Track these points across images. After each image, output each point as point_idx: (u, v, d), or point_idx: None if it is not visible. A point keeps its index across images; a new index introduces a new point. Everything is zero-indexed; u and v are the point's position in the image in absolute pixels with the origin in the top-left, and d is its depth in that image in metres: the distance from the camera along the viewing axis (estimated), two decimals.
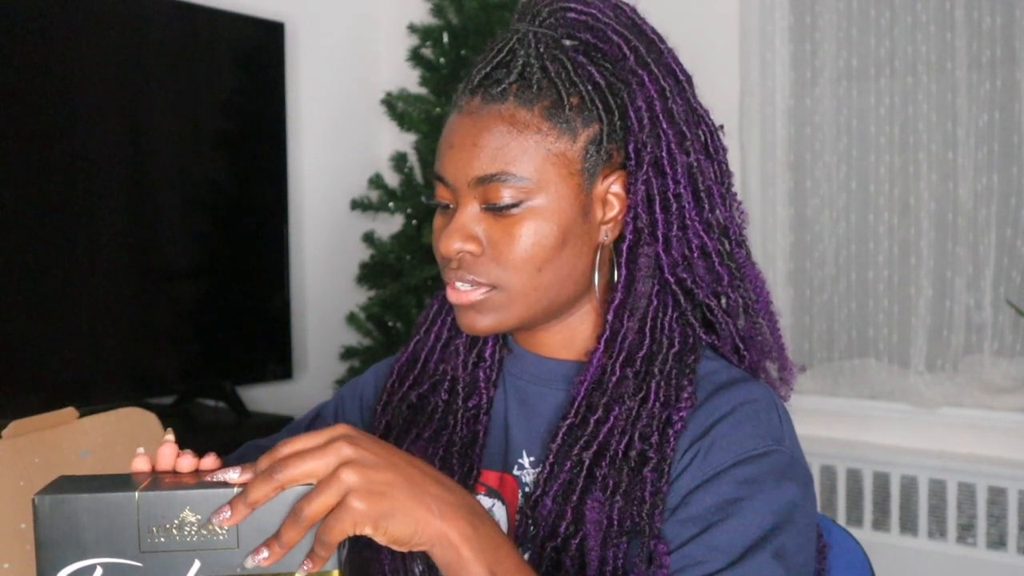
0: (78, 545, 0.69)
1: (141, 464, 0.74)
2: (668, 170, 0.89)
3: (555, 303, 0.92)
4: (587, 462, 0.87)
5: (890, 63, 2.54)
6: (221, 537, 0.69)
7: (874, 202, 2.59)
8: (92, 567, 0.69)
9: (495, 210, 0.87)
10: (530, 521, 0.89)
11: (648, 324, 0.91)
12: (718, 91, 2.83)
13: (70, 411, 0.87)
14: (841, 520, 2.58)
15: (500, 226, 0.88)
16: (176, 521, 0.69)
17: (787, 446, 0.88)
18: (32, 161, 2.15)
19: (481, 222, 0.89)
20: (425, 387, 1.04)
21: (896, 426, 2.58)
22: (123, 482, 0.72)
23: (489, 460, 0.98)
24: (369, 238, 2.79)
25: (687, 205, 0.90)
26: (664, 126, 0.89)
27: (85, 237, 2.26)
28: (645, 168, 0.89)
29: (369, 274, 2.79)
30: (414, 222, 2.72)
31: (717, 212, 0.93)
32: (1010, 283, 2.44)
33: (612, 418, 0.88)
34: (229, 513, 0.68)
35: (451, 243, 0.89)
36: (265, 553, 0.68)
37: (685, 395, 0.88)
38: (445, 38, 2.67)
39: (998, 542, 2.40)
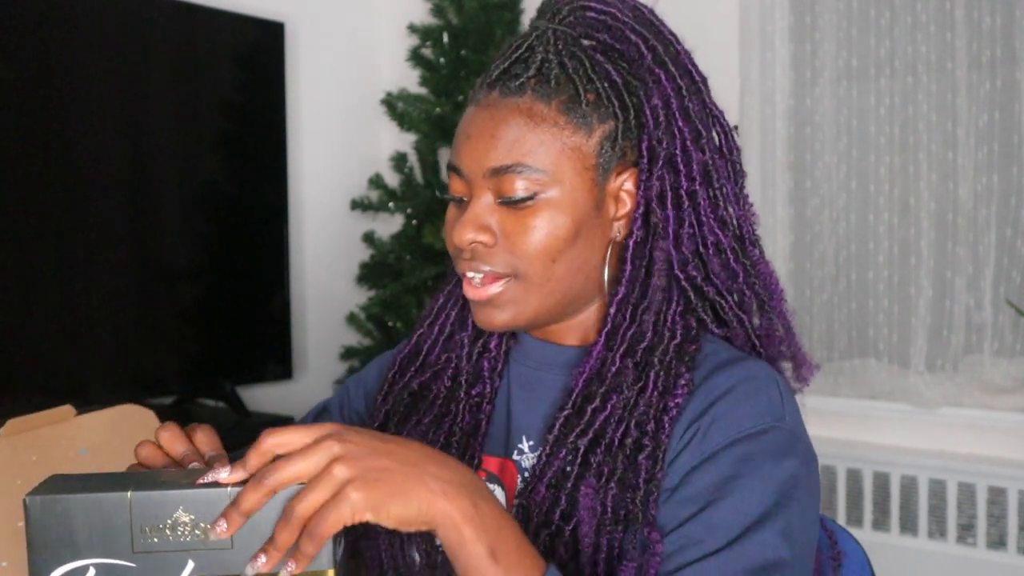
0: (71, 545, 0.68)
1: (145, 452, 0.76)
2: (683, 167, 0.90)
3: (568, 296, 0.92)
4: (582, 449, 0.88)
5: (890, 63, 2.54)
6: (214, 537, 0.68)
7: (874, 202, 2.59)
8: (85, 567, 0.68)
9: (509, 203, 0.88)
10: (524, 508, 0.89)
11: (653, 318, 0.92)
12: (718, 91, 2.83)
13: (67, 408, 0.86)
14: (841, 520, 2.58)
15: (514, 218, 0.89)
16: (169, 521, 0.68)
17: (788, 422, 0.88)
18: (32, 161, 2.15)
19: (495, 213, 0.89)
20: (427, 375, 1.04)
21: (896, 426, 2.58)
22: (116, 481, 0.71)
23: (491, 446, 0.99)
24: (369, 238, 2.79)
25: (702, 202, 0.91)
26: (680, 124, 0.91)
27: (85, 237, 2.26)
28: (660, 165, 0.90)
29: (369, 274, 2.79)
30: (414, 222, 2.72)
31: (731, 210, 0.93)
32: (1010, 283, 2.43)
33: (609, 407, 0.89)
34: (225, 525, 0.68)
35: (464, 233, 0.89)
36: (263, 559, 0.68)
37: (682, 382, 0.88)
38: (445, 38, 2.67)
39: (998, 542, 2.40)
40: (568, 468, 0.88)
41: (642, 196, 0.91)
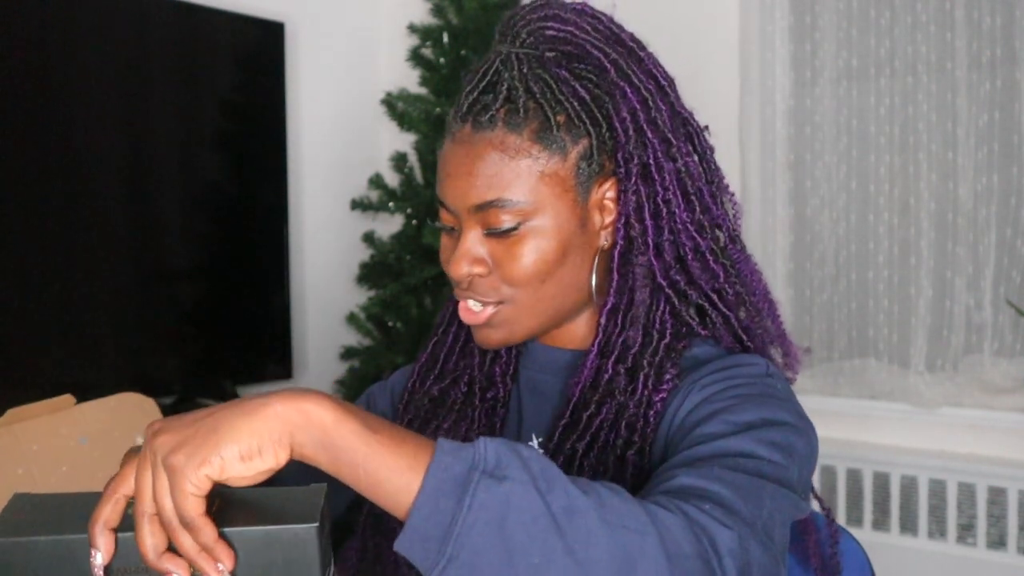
0: None
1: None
2: (656, 177, 0.92)
3: (561, 311, 0.96)
4: (579, 452, 0.91)
5: (890, 63, 2.54)
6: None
7: (874, 202, 2.59)
8: None
9: (496, 234, 0.91)
10: None
11: (642, 324, 0.95)
12: (718, 91, 2.85)
13: (67, 398, 0.87)
14: (841, 520, 2.58)
15: (503, 246, 0.91)
16: (138, 562, 0.65)
17: (776, 377, 0.92)
18: (33, 161, 2.15)
19: (485, 244, 0.92)
20: (446, 382, 1.08)
21: (896, 426, 2.58)
22: (83, 514, 0.66)
23: None
24: (369, 238, 2.79)
25: (677, 210, 0.93)
26: (649, 135, 0.92)
27: (85, 237, 2.26)
28: (634, 179, 0.92)
29: (369, 274, 2.78)
30: (414, 222, 2.72)
31: (710, 211, 0.95)
32: (1010, 283, 2.43)
33: (603, 412, 0.92)
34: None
35: (459, 268, 0.92)
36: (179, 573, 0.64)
37: (667, 377, 0.92)
38: (445, 38, 2.67)
39: (998, 542, 2.40)
40: (566, 469, 0.89)
41: (622, 208, 0.93)
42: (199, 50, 2.53)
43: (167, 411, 2.43)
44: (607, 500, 0.65)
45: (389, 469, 0.63)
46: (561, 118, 0.90)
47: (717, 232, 0.97)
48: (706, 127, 0.98)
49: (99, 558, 0.63)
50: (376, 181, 2.75)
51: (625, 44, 0.95)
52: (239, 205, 2.65)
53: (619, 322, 0.94)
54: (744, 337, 0.98)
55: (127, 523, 0.65)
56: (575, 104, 0.90)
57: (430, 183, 2.71)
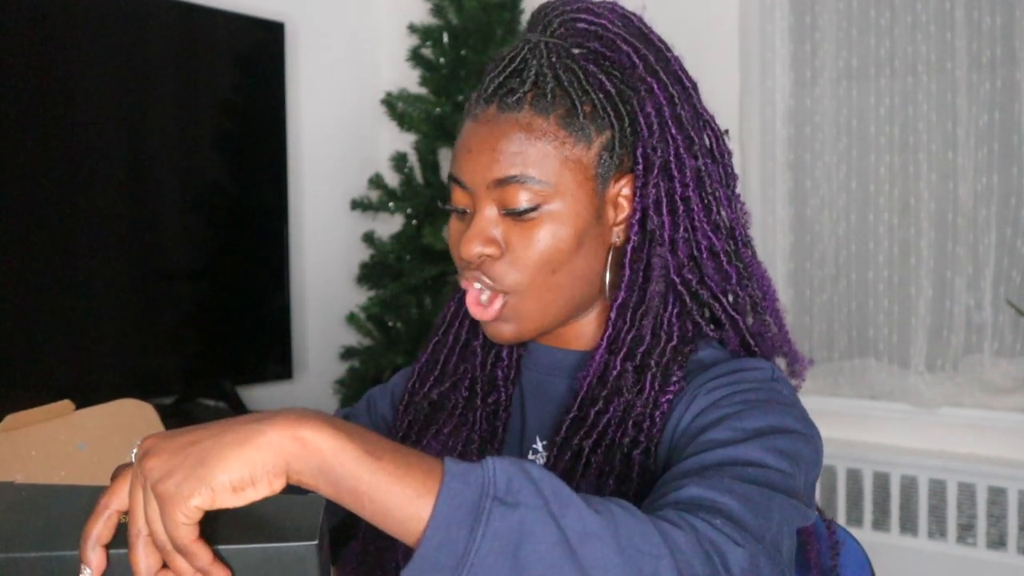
0: None
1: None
2: (676, 173, 0.92)
3: (570, 303, 0.95)
4: (586, 450, 0.90)
5: (890, 63, 2.54)
6: None
7: (874, 202, 2.59)
8: None
9: (515, 215, 0.90)
10: None
11: (652, 322, 0.94)
12: (718, 91, 2.83)
13: (66, 403, 0.87)
14: (841, 520, 2.58)
15: (518, 229, 0.90)
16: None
17: (781, 380, 0.92)
18: (32, 161, 2.15)
19: (499, 225, 0.91)
20: (446, 385, 1.06)
21: (896, 426, 2.58)
22: (72, 523, 0.65)
23: (508, 449, 1.02)
24: (369, 238, 2.79)
25: (695, 208, 0.93)
26: (673, 131, 0.92)
27: (85, 237, 2.26)
28: (655, 172, 0.92)
29: (369, 274, 2.79)
30: (414, 222, 2.72)
31: (724, 213, 0.96)
32: (1010, 283, 2.43)
33: (611, 409, 0.91)
34: None
35: (472, 247, 0.91)
36: None
37: (674, 379, 0.91)
38: (445, 38, 2.68)
39: (998, 542, 2.40)
40: (573, 468, 0.90)
41: (639, 202, 0.93)
42: (199, 50, 2.53)
43: (167, 411, 2.43)
44: (621, 521, 0.64)
45: (396, 497, 0.60)
46: (587, 107, 0.90)
47: (730, 235, 0.97)
48: (726, 131, 0.99)
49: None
50: (376, 181, 2.75)
51: (654, 44, 0.95)
52: (239, 205, 2.65)
53: (629, 318, 0.94)
54: (752, 342, 0.98)
55: (119, 539, 0.63)
56: (601, 96, 0.91)
57: (430, 183, 2.71)
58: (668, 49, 0.96)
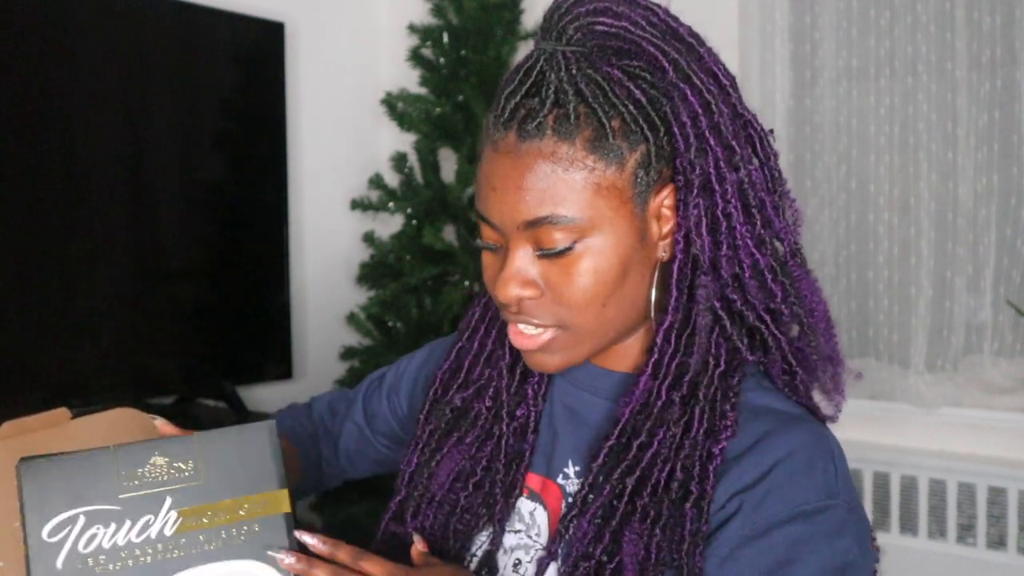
0: (61, 499, 0.76)
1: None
2: (717, 188, 0.84)
3: (621, 331, 0.90)
4: (629, 488, 0.85)
5: (890, 63, 2.53)
6: (187, 474, 0.80)
7: (874, 202, 2.59)
8: (76, 516, 0.77)
9: (550, 255, 0.83)
10: (566, 537, 0.88)
11: (698, 346, 0.88)
12: None
13: (63, 412, 0.87)
14: None
15: (557, 268, 0.84)
16: (148, 466, 0.79)
17: (843, 496, 0.85)
18: (31, 161, 2.15)
19: (536, 264, 0.85)
20: (470, 392, 1.02)
21: (896, 426, 2.58)
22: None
23: (535, 464, 0.97)
24: (369, 238, 2.79)
25: (737, 224, 0.85)
26: (711, 143, 0.84)
27: (85, 237, 2.26)
28: (695, 191, 0.84)
29: (369, 274, 2.79)
30: (414, 222, 2.72)
31: (771, 224, 0.88)
32: (1010, 283, 2.43)
33: (656, 443, 0.85)
34: (292, 560, 0.82)
35: (508, 291, 0.85)
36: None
37: (727, 422, 0.85)
38: (445, 38, 2.67)
39: (998, 542, 2.40)
40: (615, 503, 0.85)
41: (682, 220, 0.86)
42: (199, 50, 2.53)
43: (167, 411, 2.43)
44: None
45: None
46: (616, 123, 0.82)
47: (777, 245, 0.89)
48: (771, 131, 0.91)
49: None
50: (376, 181, 2.75)
51: (683, 40, 0.87)
52: (239, 205, 2.65)
53: (674, 342, 0.87)
54: (794, 361, 0.91)
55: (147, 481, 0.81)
56: (631, 107, 0.82)
57: (430, 183, 2.71)
58: (701, 43, 0.88)
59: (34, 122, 2.16)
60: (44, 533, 0.75)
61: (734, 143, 0.85)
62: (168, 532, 0.78)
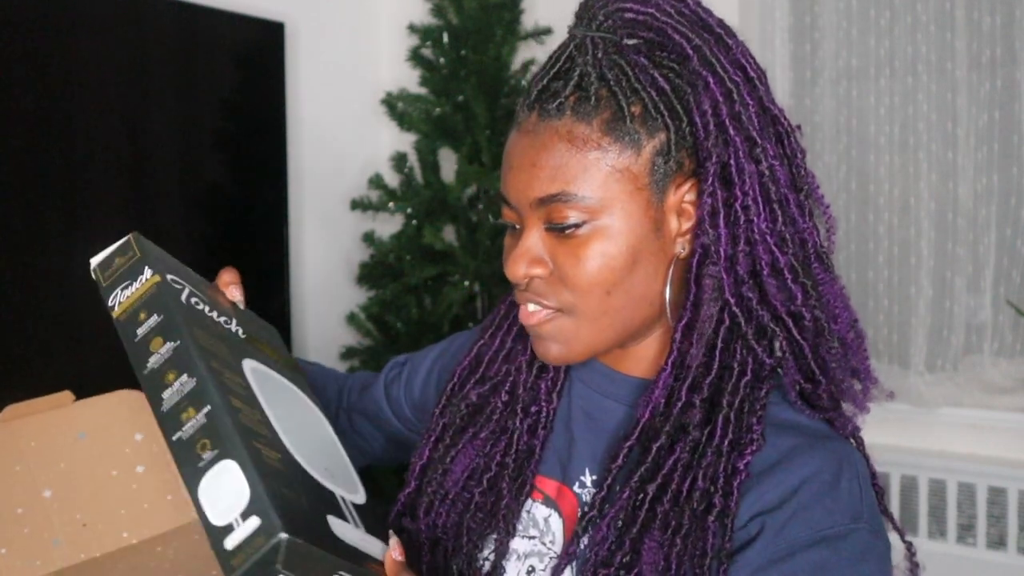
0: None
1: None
2: (736, 179, 0.83)
3: (628, 327, 0.87)
4: (650, 495, 0.83)
5: (890, 63, 2.54)
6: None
7: (874, 202, 2.59)
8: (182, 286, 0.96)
9: (559, 230, 0.83)
10: (583, 539, 0.87)
11: (716, 348, 0.86)
12: None
13: (66, 394, 0.87)
14: None
15: (566, 247, 0.84)
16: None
17: (866, 519, 0.84)
18: (32, 161, 2.15)
19: (546, 243, 0.85)
20: (486, 387, 1.01)
21: (896, 426, 2.58)
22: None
23: (549, 467, 0.96)
24: (369, 238, 2.79)
25: (756, 218, 0.83)
26: (731, 132, 0.83)
27: (85, 236, 2.26)
28: (711, 180, 0.83)
29: (369, 274, 2.79)
30: (414, 222, 2.72)
31: (795, 223, 0.85)
32: (1010, 283, 2.43)
33: (677, 449, 0.84)
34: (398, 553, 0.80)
35: (517, 268, 0.85)
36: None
37: (753, 436, 0.83)
38: (445, 38, 2.68)
39: (998, 542, 2.40)
40: (635, 509, 0.83)
41: (699, 212, 0.84)
42: (199, 50, 2.53)
43: None
44: None
45: None
46: (636, 109, 0.81)
47: (801, 247, 0.85)
48: (798, 126, 0.89)
49: None
50: (376, 181, 2.75)
51: (712, 30, 0.85)
52: (239, 205, 2.65)
53: (695, 340, 0.86)
54: (816, 371, 0.88)
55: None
56: (653, 94, 0.82)
57: (430, 183, 2.72)
58: (730, 34, 0.86)
59: (35, 122, 2.16)
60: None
61: (755, 135, 0.84)
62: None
